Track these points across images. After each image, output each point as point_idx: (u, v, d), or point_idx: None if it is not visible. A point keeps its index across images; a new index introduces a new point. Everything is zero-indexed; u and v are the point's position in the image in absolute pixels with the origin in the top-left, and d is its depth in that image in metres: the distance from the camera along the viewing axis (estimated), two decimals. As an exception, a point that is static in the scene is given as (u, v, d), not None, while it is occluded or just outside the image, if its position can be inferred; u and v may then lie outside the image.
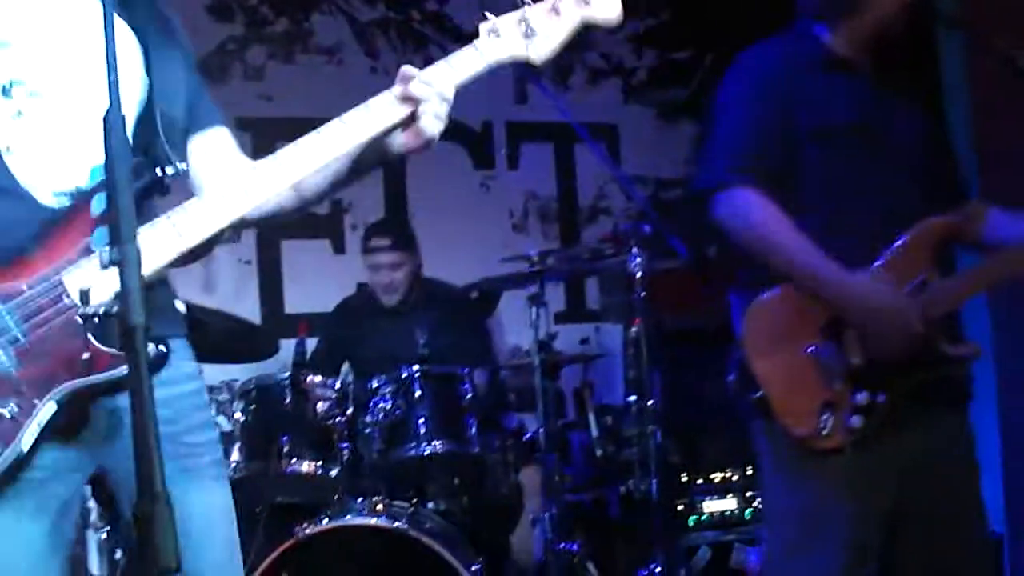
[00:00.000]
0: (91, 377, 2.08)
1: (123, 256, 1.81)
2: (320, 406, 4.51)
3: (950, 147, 3.15)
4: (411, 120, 2.17)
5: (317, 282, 6.35)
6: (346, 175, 2.29)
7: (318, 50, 6.63)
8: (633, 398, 4.87)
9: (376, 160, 2.27)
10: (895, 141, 2.96)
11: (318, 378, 4.62)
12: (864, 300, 2.82)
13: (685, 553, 5.50)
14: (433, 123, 2.17)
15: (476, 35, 2.25)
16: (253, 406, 4.53)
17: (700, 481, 5.62)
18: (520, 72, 6.88)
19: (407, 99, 2.17)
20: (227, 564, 2.27)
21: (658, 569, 4.92)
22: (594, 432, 5.42)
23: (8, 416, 2.06)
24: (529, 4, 2.25)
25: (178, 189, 2.26)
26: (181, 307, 2.37)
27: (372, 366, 4.94)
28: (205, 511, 2.22)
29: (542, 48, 2.24)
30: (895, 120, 2.98)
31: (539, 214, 7.03)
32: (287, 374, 4.57)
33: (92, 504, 5.63)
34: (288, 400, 4.51)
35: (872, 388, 2.85)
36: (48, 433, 2.10)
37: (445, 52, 2.25)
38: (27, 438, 2.07)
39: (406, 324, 5.24)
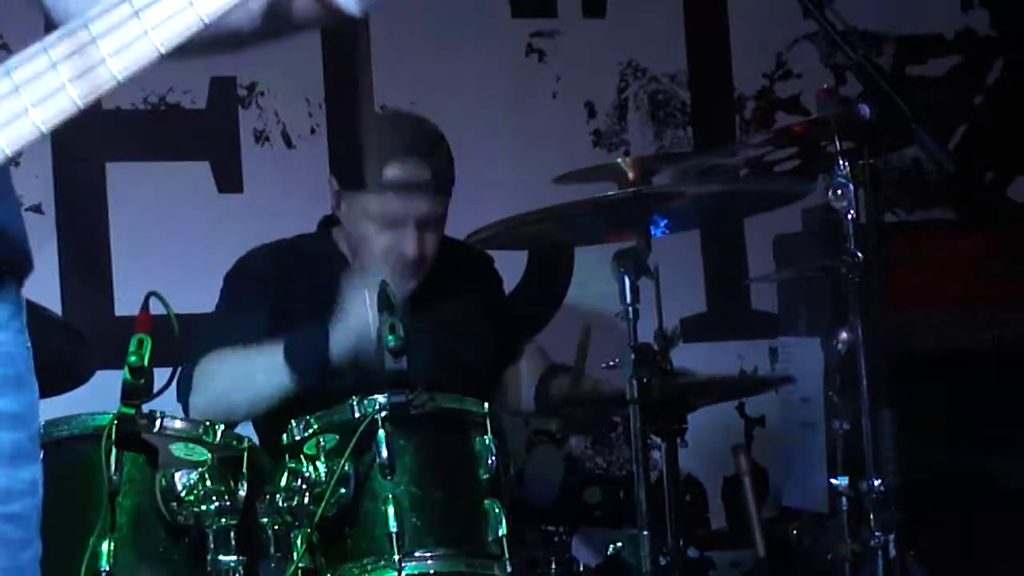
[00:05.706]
0: None
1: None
2: (179, 479, 2.35)
3: None
4: None
5: (184, 246, 3.71)
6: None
7: None
8: (842, 479, 2.45)
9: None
10: None
11: (178, 423, 2.44)
12: None
13: None
14: None
15: None
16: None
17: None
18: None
19: None
20: None
21: None
22: (761, 553, 2.95)
23: None
24: None
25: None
26: None
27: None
28: None
29: None
30: None
31: (651, 104, 4.13)
32: (107, 416, 2.34)
33: None
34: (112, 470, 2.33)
35: None
36: None
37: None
38: None
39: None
